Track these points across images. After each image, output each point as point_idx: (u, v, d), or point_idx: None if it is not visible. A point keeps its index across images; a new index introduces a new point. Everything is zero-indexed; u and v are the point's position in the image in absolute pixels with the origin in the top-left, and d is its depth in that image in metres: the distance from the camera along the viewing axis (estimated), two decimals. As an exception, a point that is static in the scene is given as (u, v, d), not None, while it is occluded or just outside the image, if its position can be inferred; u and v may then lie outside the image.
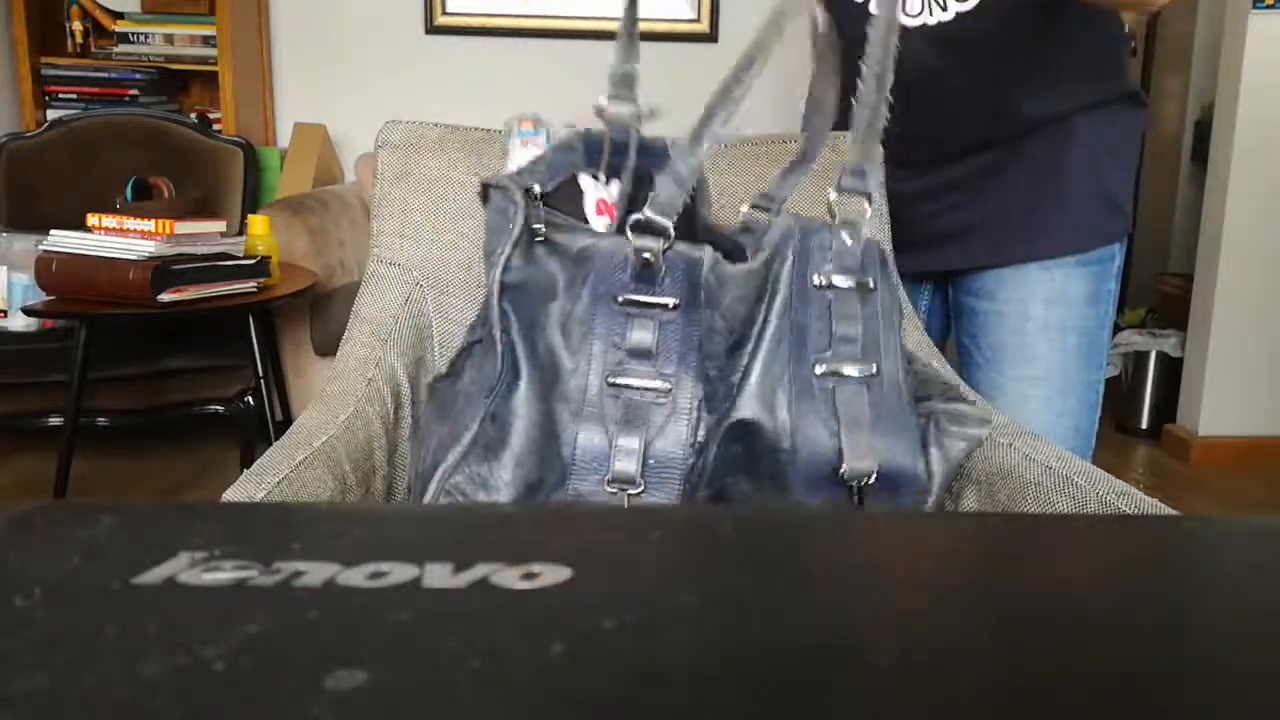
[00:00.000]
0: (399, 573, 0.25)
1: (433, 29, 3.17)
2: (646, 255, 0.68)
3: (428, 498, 0.70)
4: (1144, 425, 3.23)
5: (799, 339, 0.69)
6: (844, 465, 0.68)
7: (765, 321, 0.70)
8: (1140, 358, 3.22)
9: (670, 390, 0.68)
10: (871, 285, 0.71)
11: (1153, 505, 0.65)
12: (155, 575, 0.25)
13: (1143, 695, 0.21)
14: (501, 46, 3.18)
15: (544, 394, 0.70)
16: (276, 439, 0.73)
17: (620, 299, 0.69)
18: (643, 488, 0.68)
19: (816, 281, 0.70)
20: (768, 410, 0.69)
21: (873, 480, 0.69)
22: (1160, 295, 3.56)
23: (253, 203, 2.84)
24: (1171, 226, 4.02)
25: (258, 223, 2.23)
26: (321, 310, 2.46)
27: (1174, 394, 3.10)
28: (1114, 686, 0.21)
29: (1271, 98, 2.77)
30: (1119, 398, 3.29)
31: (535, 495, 0.69)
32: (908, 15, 1.00)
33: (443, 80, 3.18)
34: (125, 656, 0.21)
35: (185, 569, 0.25)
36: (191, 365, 2.47)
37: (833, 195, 0.73)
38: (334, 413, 0.80)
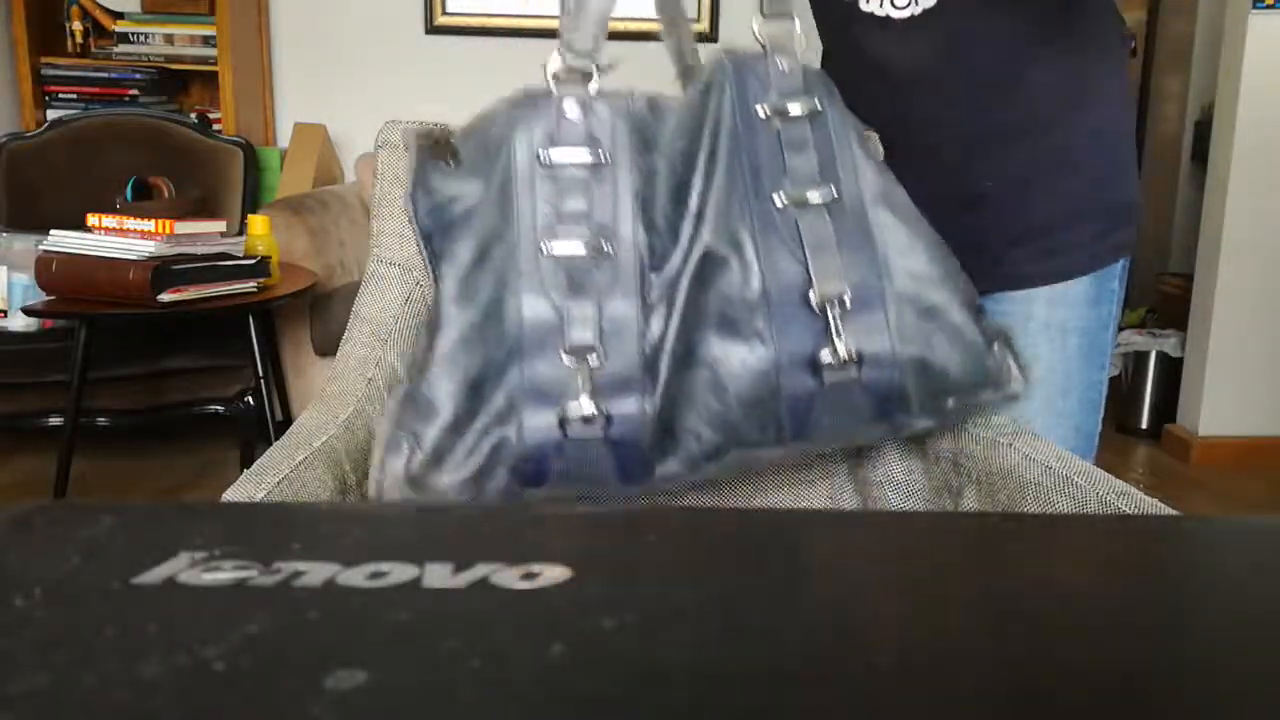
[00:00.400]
0: (399, 573, 0.25)
1: (433, 29, 3.17)
2: (568, 111, 0.66)
3: (373, 469, 0.67)
4: (1144, 425, 3.23)
5: (753, 173, 0.68)
6: (814, 292, 0.67)
7: (712, 157, 0.68)
8: (1140, 358, 3.22)
9: (610, 251, 0.65)
10: (819, 107, 0.70)
11: (1153, 505, 0.64)
12: (155, 575, 0.25)
13: (1143, 695, 0.21)
14: (501, 46, 3.18)
15: (470, 290, 0.65)
16: (276, 439, 0.73)
17: (546, 161, 0.65)
18: (602, 359, 0.64)
19: (761, 113, 0.69)
20: (732, 247, 0.67)
21: (848, 305, 0.68)
22: (1160, 295, 3.56)
23: (253, 203, 2.84)
24: (1171, 226, 4.01)
25: (258, 223, 2.23)
26: (321, 310, 2.46)
27: (1174, 394, 3.10)
28: (1114, 686, 0.21)
29: (1271, 98, 2.77)
30: (1119, 398, 3.29)
31: (483, 393, 0.64)
32: (895, 8, 1.00)
33: (443, 80, 3.18)
34: (125, 656, 0.21)
35: (185, 569, 0.25)
36: (191, 365, 2.47)
37: (757, 25, 0.70)
38: (334, 413, 0.80)
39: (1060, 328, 1.06)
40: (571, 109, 0.66)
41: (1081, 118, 1.03)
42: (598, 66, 0.68)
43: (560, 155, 0.66)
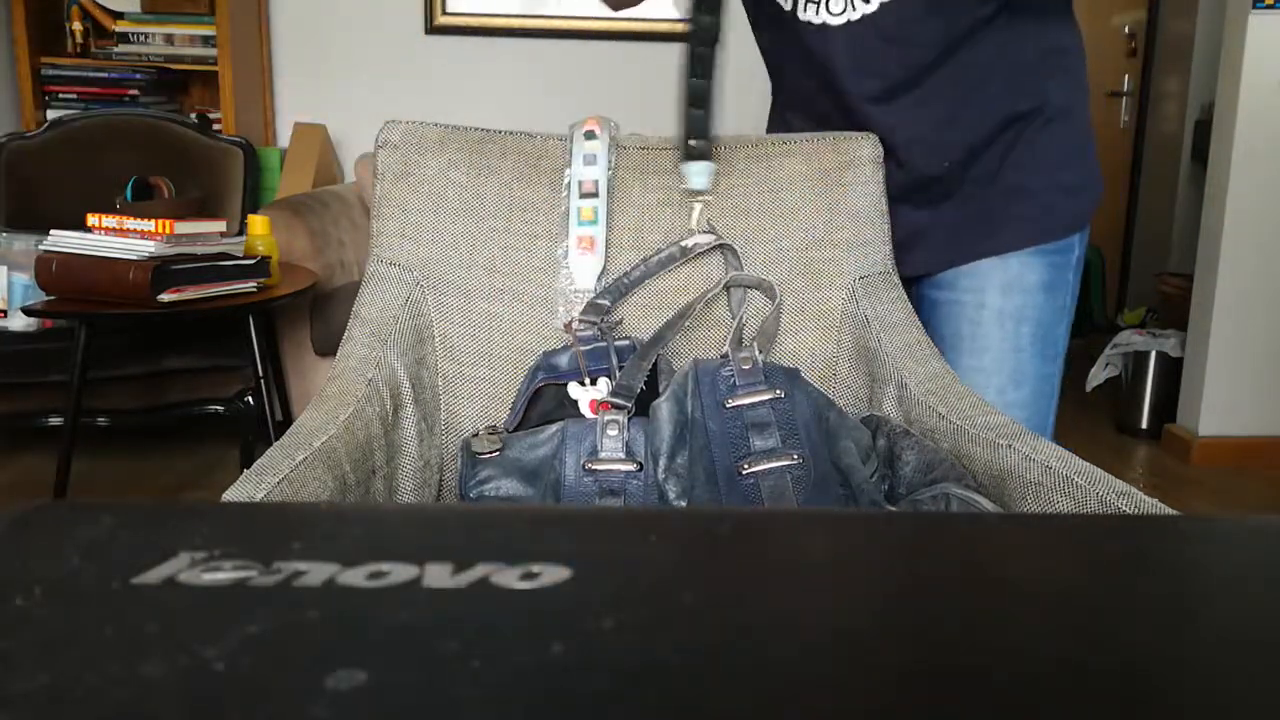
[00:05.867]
0: (399, 573, 0.25)
1: (433, 29, 3.17)
2: (611, 428, 0.85)
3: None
4: (1144, 425, 3.22)
5: (723, 449, 0.83)
6: None
7: (689, 439, 0.85)
8: (1140, 358, 3.22)
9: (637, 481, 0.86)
10: (781, 395, 0.85)
11: (1153, 505, 0.65)
12: (155, 575, 0.25)
13: (1143, 693, 0.21)
14: (501, 46, 3.18)
15: None
16: (276, 439, 0.73)
17: (588, 467, 0.83)
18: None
19: (729, 404, 0.85)
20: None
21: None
22: (1160, 295, 3.56)
23: (253, 203, 2.84)
24: (1171, 226, 4.01)
25: (258, 223, 2.23)
26: (321, 310, 2.46)
27: (1174, 394, 3.10)
28: (1114, 685, 0.21)
29: (1271, 98, 2.77)
30: (1119, 398, 3.29)
31: None
32: (831, 14, 1.01)
33: (443, 80, 3.18)
34: (125, 656, 0.21)
35: (185, 569, 0.25)
36: (191, 365, 2.47)
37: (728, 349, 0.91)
38: (334, 413, 0.80)
39: (1014, 317, 1.07)
40: (614, 431, 0.85)
41: (1027, 124, 1.04)
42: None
43: (598, 467, 0.84)
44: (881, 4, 0.99)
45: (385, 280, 0.99)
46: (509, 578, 0.24)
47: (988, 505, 0.76)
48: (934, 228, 1.09)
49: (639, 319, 1.01)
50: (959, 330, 1.08)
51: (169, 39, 3.00)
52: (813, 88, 1.08)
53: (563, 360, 0.94)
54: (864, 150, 1.06)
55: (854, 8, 1.00)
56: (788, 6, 1.05)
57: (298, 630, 0.22)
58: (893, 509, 0.81)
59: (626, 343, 0.95)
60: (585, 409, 0.91)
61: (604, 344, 0.94)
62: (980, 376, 1.07)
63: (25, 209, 2.73)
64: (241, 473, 0.66)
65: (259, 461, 0.68)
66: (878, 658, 0.22)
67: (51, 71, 2.95)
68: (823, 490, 0.81)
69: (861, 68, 1.02)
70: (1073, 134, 1.08)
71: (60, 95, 2.96)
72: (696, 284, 1.01)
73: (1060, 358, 1.11)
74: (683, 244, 1.01)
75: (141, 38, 3.00)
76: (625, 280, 1.00)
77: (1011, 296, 1.07)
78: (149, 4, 3.05)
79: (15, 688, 0.20)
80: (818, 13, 1.02)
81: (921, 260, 1.11)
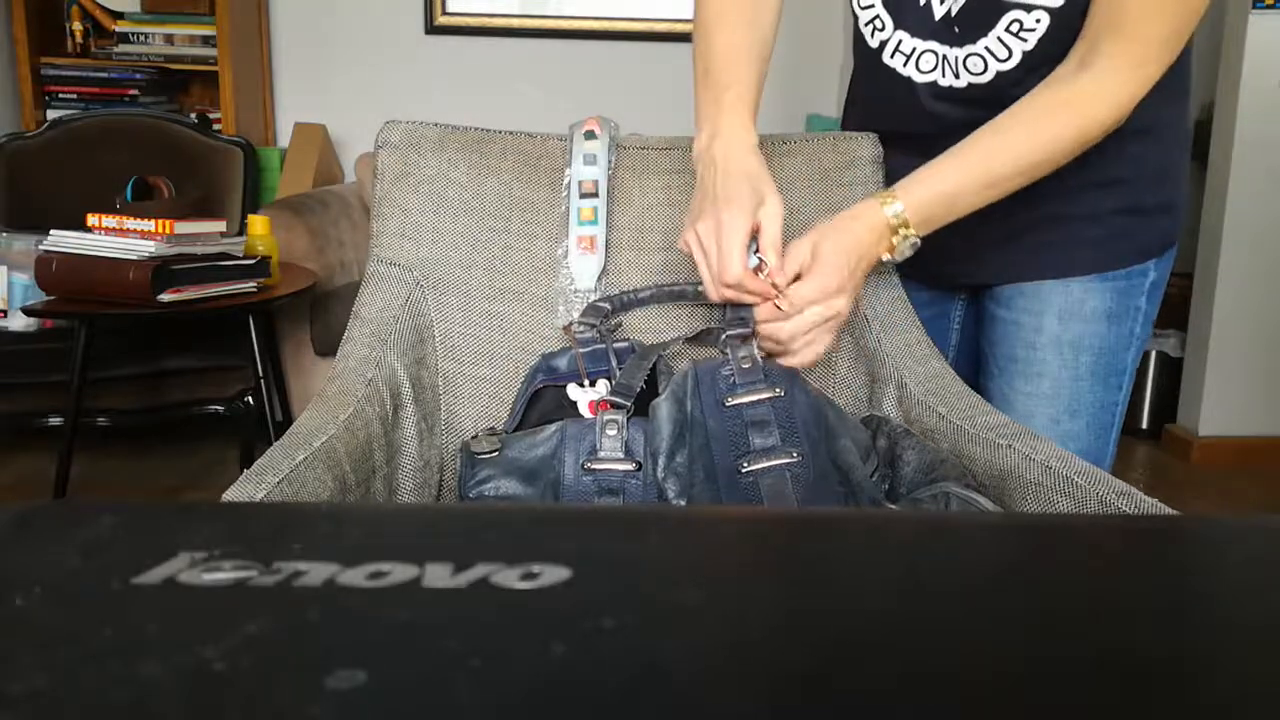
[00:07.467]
0: (399, 573, 0.25)
1: (433, 29, 3.17)
2: (610, 428, 0.84)
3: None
4: (1144, 425, 3.22)
5: (722, 448, 0.83)
6: None
7: (688, 438, 0.85)
8: (1140, 358, 3.22)
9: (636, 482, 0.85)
10: (781, 393, 0.85)
11: (1153, 505, 0.65)
12: (155, 575, 0.25)
13: (1143, 693, 0.21)
14: (501, 46, 3.18)
15: None
16: (276, 439, 0.73)
17: (587, 466, 0.83)
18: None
19: (729, 402, 0.85)
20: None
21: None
22: (1160, 295, 3.55)
23: (253, 203, 2.84)
24: (1171, 226, 4.01)
25: (258, 223, 2.23)
26: (321, 310, 2.46)
27: (1174, 394, 3.10)
28: (1114, 685, 0.21)
29: (1271, 98, 2.76)
30: (1119, 398, 3.29)
31: None
32: (920, 71, 0.97)
33: (443, 80, 3.18)
34: (125, 656, 0.21)
35: (185, 569, 0.25)
36: (191, 365, 2.46)
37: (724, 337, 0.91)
38: (334, 413, 0.80)
39: (1073, 345, 1.02)
40: (613, 431, 0.84)
41: (1121, 142, 0.97)
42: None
43: (599, 466, 0.84)
44: (997, 73, 0.94)
45: (385, 280, 0.99)
46: (509, 578, 0.24)
47: (988, 505, 0.76)
48: (998, 241, 1.03)
49: (638, 321, 1.01)
50: (1014, 353, 1.04)
51: (169, 39, 3.00)
52: (888, 95, 1.03)
53: (562, 362, 0.94)
54: (864, 150, 1.06)
55: (957, 76, 0.95)
56: (873, 44, 1.00)
57: (298, 630, 0.22)
58: (893, 508, 0.81)
59: (626, 345, 0.95)
60: (584, 410, 0.91)
61: (603, 346, 0.94)
62: (1035, 403, 1.03)
63: (25, 209, 2.73)
64: (241, 473, 0.66)
65: (259, 461, 0.68)
66: (877, 657, 0.22)
67: (51, 71, 2.95)
68: (822, 488, 0.80)
69: (947, 109, 0.99)
70: (1161, 151, 1.02)
71: (60, 95, 2.96)
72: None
73: (1125, 385, 1.05)
74: (698, 287, 1.00)
75: (141, 38, 3.00)
76: (632, 297, 1.00)
77: (1070, 324, 1.01)
78: (149, 4, 3.05)
79: (15, 688, 0.20)
80: (904, 65, 0.98)
81: (978, 272, 1.06)
